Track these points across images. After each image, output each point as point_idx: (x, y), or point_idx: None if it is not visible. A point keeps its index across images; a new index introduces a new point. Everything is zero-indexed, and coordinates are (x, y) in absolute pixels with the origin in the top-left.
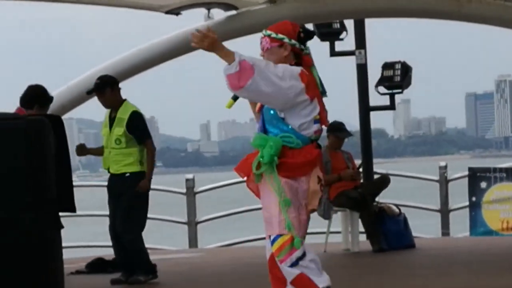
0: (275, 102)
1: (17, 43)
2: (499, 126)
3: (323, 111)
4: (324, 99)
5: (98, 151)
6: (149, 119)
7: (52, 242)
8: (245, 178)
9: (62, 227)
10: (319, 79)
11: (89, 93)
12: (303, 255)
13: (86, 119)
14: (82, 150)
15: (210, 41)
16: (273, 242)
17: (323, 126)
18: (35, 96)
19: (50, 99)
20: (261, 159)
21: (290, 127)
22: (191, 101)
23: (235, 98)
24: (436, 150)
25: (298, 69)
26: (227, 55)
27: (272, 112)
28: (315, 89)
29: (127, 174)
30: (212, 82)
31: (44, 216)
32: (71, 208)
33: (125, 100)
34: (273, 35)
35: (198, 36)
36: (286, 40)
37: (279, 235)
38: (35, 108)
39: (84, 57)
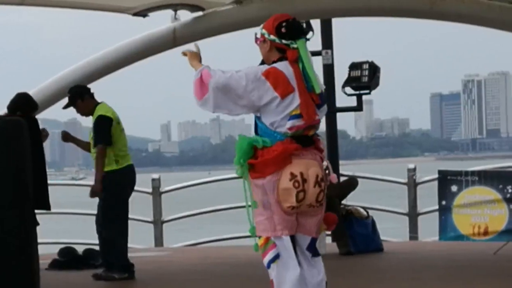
0: (240, 108)
1: None
2: (466, 127)
3: (305, 106)
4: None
5: (83, 144)
6: None
7: (32, 239)
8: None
9: (38, 224)
10: (308, 73)
11: (65, 108)
12: (276, 256)
13: (50, 119)
14: (66, 136)
15: (193, 54)
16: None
17: (305, 121)
18: (19, 103)
19: (34, 106)
20: (235, 161)
21: (264, 125)
22: (152, 101)
23: None
24: (399, 152)
25: (262, 69)
26: (197, 66)
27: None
28: (287, 86)
29: (103, 174)
30: (173, 83)
31: (24, 214)
32: (46, 206)
33: (99, 104)
34: (260, 29)
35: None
36: (266, 35)
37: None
38: (17, 114)
39: (51, 60)
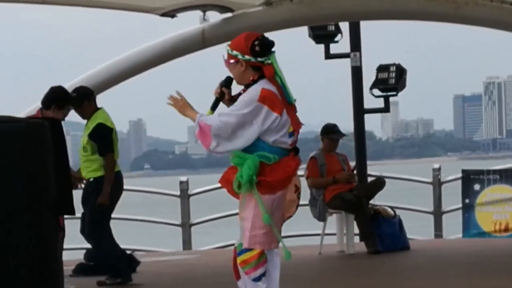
0: (251, 136)
1: (4, 47)
2: (486, 128)
3: (294, 121)
4: (318, 102)
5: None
6: (136, 122)
7: (52, 243)
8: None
9: (62, 229)
10: (285, 86)
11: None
12: (263, 274)
13: (74, 122)
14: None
15: (182, 104)
16: (240, 253)
17: (296, 134)
18: (54, 97)
19: (68, 100)
20: (240, 179)
21: (265, 143)
22: None
23: (213, 108)
24: (424, 152)
25: (257, 93)
26: (192, 117)
27: None
28: (281, 103)
29: (91, 179)
30: (200, 84)
31: (43, 218)
32: (70, 210)
33: (99, 109)
34: (229, 51)
35: (174, 98)
36: (240, 56)
37: (247, 250)
38: (52, 108)
39: (77, 61)
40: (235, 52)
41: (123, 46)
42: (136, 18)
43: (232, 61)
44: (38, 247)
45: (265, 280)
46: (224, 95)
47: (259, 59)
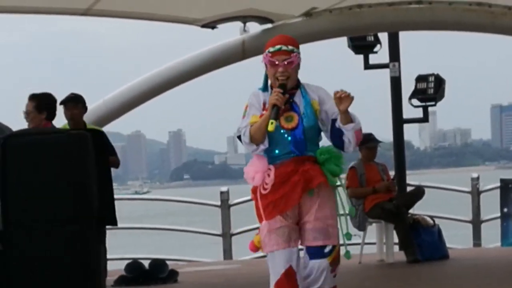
0: None
1: (42, 55)
2: None
3: None
4: (358, 112)
5: None
6: (176, 132)
7: (96, 254)
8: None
9: (104, 239)
10: None
11: (66, 103)
12: None
13: (114, 132)
14: None
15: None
16: (330, 252)
17: None
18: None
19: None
20: (338, 170)
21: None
22: (218, 113)
23: (276, 117)
24: (461, 161)
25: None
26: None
27: (315, 131)
28: None
29: None
30: (239, 95)
31: (87, 229)
32: (113, 221)
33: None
34: (296, 50)
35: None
36: (300, 55)
37: (335, 246)
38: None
39: (117, 72)
40: (299, 50)
41: (164, 57)
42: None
43: (298, 61)
44: (86, 257)
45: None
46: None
47: None
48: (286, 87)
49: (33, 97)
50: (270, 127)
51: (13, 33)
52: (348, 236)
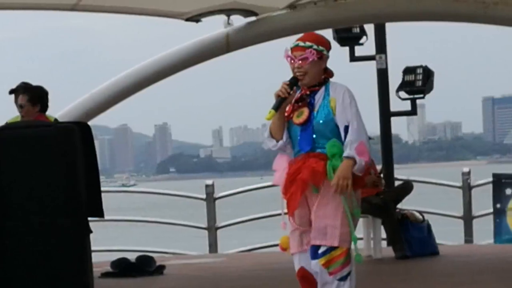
0: None
1: (34, 52)
2: None
3: None
4: None
5: None
6: (162, 126)
7: (85, 247)
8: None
9: (91, 231)
10: None
11: (16, 91)
12: (349, 273)
13: (101, 126)
14: None
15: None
16: (323, 254)
17: None
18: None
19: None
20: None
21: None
22: (203, 107)
23: (276, 108)
24: (452, 155)
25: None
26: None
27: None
28: None
29: None
30: (225, 88)
31: (77, 221)
32: (100, 213)
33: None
34: (315, 46)
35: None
36: (325, 52)
37: (332, 248)
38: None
39: (103, 65)
40: (321, 48)
41: (147, 52)
42: (163, 23)
43: (317, 57)
44: (78, 250)
45: (350, 280)
46: (290, 95)
47: None
48: (297, 81)
49: (25, 90)
50: (268, 116)
51: None
52: (354, 239)
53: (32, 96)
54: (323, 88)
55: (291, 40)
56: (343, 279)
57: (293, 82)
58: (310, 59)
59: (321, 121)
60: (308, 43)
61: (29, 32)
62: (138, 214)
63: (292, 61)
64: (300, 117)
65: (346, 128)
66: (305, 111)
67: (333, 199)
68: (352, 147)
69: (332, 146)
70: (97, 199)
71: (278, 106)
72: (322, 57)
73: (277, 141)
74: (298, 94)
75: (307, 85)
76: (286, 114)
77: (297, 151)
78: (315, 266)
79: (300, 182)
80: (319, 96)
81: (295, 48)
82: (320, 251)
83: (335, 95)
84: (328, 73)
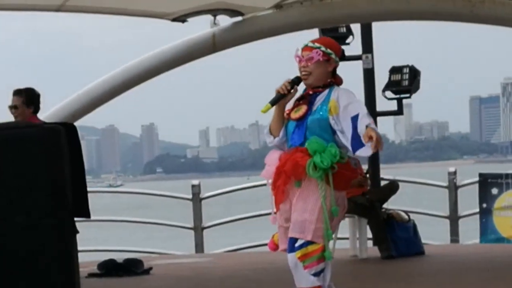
0: None
1: (22, 53)
2: (505, 130)
3: None
4: None
5: None
6: (148, 126)
7: (72, 247)
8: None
9: (78, 232)
10: None
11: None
12: (324, 270)
13: (88, 126)
14: None
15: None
16: (300, 247)
17: None
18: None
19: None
20: (320, 164)
21: (336, 141)
22: (190, 107)
23: (273, 103)
24: (439, 155)
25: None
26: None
27: (322, 125)
28: None
29: None
30: (211, 89)
31: (64, 222)
32: (86, 213)
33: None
34: (323, 48)
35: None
36: (333, 56)
37: (310, 242)
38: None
39: (90, 67)
40: (329, 51)
41: (134, 52)
42: (148, 24)
43: (324, 58)
44: (63, 251)
45: (322, 277)
46: (290, 93)
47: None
48: (300, 81)
49: (20, 92)
50: (263, 108)
51: None
52: (328, 235)
53: (26, 97)
54: (326, 91)
55: (277, 40)
56: (317, 274)
57: (295, 81)
58: (315, 59)
59: (315, 118)
60: (317, 44)
61: (13, 34)
62: (124, 214)
63: (299, 60)
64: (297, 113)
65: (354, 118)
66: (303, 107)
67: (313, 194)
68: (371, 121)
69: (313, 142)
70: (84, 200)
71: (275, 101)
72: (329, 60)
73: (275, 137)
74: (301, 94)
75: (311, 86)
76: (286, 112)
77: (289, 145)
78: (290, 260)
79: (283, 174)
80: (320, 97)
81: (304, 48)
82: (297, 244)
83: (336, 97)
84: (337, 79)
